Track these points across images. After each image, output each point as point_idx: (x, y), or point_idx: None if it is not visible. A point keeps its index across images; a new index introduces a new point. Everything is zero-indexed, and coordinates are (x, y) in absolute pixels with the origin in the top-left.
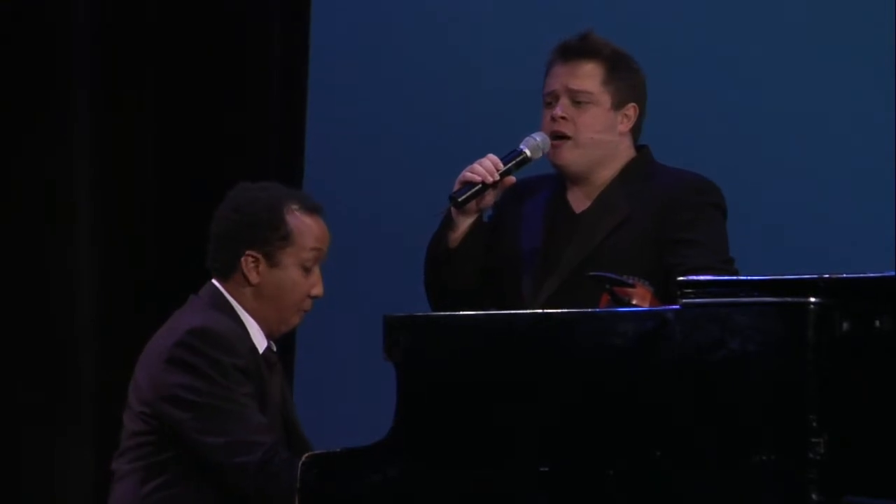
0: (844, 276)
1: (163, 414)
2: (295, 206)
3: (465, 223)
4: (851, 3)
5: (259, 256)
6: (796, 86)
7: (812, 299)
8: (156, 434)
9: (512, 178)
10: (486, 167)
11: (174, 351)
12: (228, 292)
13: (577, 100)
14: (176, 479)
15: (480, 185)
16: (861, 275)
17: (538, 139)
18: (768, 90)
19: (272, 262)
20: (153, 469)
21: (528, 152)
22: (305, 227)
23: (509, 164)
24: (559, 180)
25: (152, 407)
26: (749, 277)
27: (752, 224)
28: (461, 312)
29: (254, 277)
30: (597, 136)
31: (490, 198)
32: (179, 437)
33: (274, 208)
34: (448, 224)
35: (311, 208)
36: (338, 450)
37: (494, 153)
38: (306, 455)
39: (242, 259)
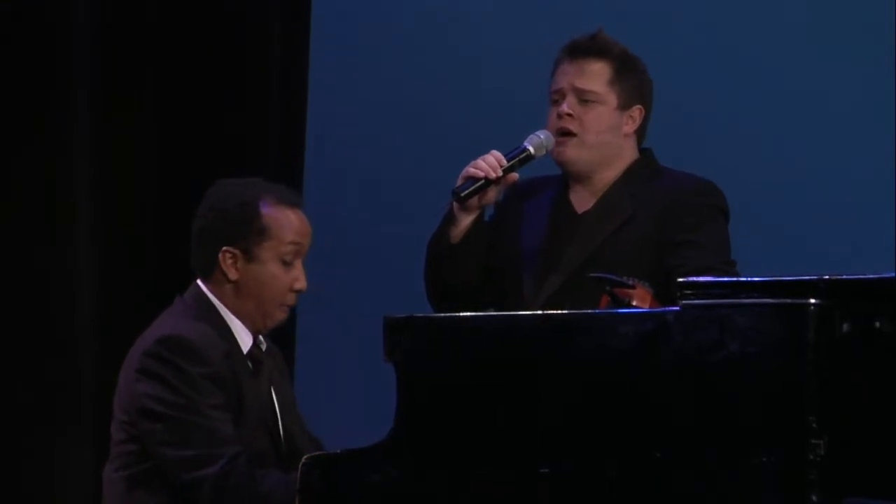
0: (844, 276)
1: (136, 424)
2: (272, 200)
3: (466, 219)
4: (851, 2)
5: (236, 252)
6: (796, 86)
7: (812, 300)
8: (137, 443)
9: (515, 175)
10: (490, 163)
11: (143, 360)
12: (211, 291)
13: (584, 98)
14: (160, 489)
15: (483, 181)
16: (861, 276)
17: (542, 137)
18: (768, 91)
19: (249, 257)
20: (138, 478)
21: (531, 149)
22: (284, 220)
23: (513, 161)
24: (562, 181)
25: (129, 416)
26: (749, 279)
27: (752, 225)
28: (461, 314)
29: (233, 274)
30: (602, 135)
31: (492, 194)
32: (146, 448)
33: (248, 203)
34: (450, 220)
35: (289, 202)
36: (338, 451)
37: (498, 150)
38: (307, 456)
39: (220, 256)
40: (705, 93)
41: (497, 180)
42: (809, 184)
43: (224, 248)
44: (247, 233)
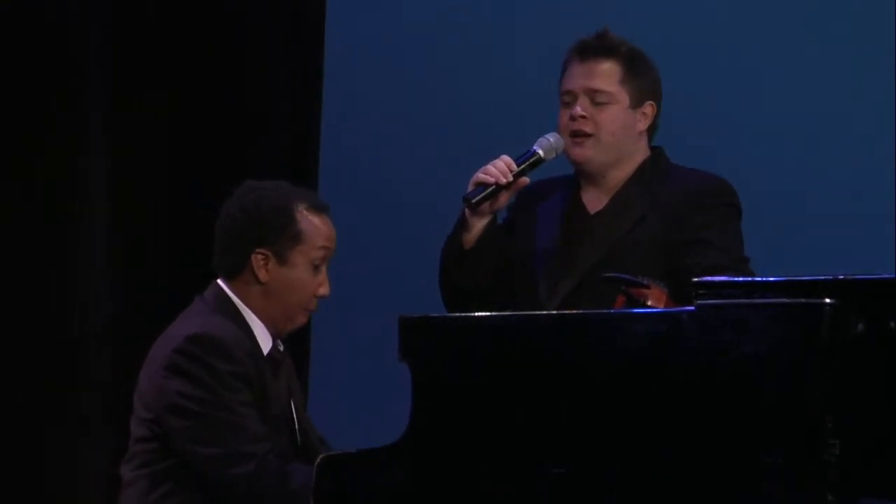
0: (859, 276)
1: (163, 421)
2: (303, 206)
3: (478, 224)
4: (852, 2)
5: (269, 254)
6: (796, 86)
7: (827, 300)
8: (160, 441)
9: (525, 180)
10: (500, 168)
11: (173, 358)
12: (234, 292)
13: (597, 99)
14: (181, 487)
15: (494, 187)
16: (876, 275)
17: (552, 140)
18: (768, 90)
19: (282, 260)
20: (158, 476)
21: (541, 153)
22: (314, 226)
23: (523, 165)
24: (574, 181)
25: (155, 413)
26: (764, 278)
27: (751, 225)
28: (476, 313)
29: (263, 276)
30: (616, 135)
31: (503, 199)
32: (174, 446)
33: (284, 207)
34: (462, 225)
35: (319, 207)
36: (353, 451)
37: (508, 154)
38: (322, 456)
39: (253, 257)
40: (705, 92)
41: (507, 185)
42: (808, 183)
43: (257, 249)
44: (280, 236)
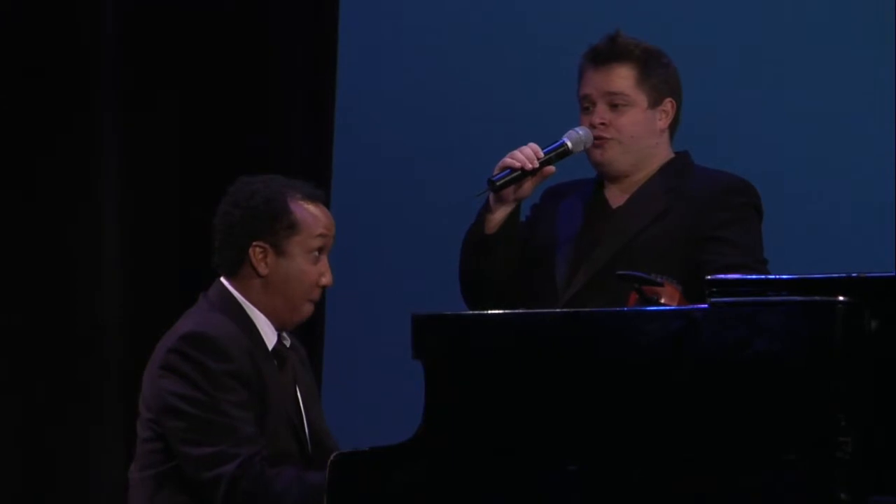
0: (872, 275)
1: (161, 421)
2: (298, 195)
3: (501, 210)
4: (852, 2)
5: (266, 247)
6: (797, 85)
7: (840, 298)
8: (162, 441)
9: (551, 169)
10: (527, 154)
11: (167, 357)
12: (236, 288)
13: (614, 103)
14: (187, 488)
15: (519, 172)
16: (890, 273)
17: (581, 133)
18: (769, 91)
19: (280, 251)
20: (162, 478)
21: (569, 144)
22: (310, 214)
23: (550, 154)
24: (596, 181)
25: (154, 414)
26: (777, 276)
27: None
28: (490, 311)
29: (262, 269)
30: (638, 136)
31: (528, 186)
32: (170, 446)
33: (277, 199)
34: (485, 210)
35: (314, 196)
36: (365, 449)
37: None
38: (335, 454)
39: (250, 251)
40: (704, 92)
41: (533, 171)
42: (809, 183)
43: (254, 243)
44: (277, 227)
